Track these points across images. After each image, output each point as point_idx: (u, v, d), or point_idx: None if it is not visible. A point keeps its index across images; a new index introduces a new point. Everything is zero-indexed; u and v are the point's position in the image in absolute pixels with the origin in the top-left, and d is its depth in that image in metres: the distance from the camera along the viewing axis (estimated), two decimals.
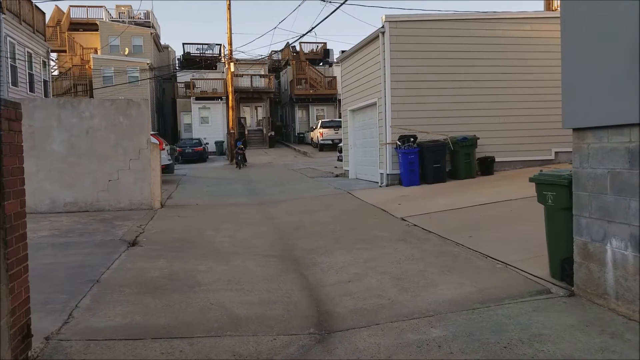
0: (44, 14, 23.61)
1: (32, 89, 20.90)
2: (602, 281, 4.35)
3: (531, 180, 5.34)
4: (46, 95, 22.76)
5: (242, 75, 37.67)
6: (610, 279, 4.26)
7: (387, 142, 13.31)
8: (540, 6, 26.13)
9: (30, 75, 20.92)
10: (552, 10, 16.55)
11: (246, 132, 37.87)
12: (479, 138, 13.09)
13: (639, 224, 3.94)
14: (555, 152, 13.85)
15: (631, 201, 4.01)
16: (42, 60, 22.70)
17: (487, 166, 13.29)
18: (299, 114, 41.49)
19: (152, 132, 13.04)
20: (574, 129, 4.63)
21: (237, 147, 25.79)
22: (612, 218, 4.21)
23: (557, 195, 4.95)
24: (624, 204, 4.09)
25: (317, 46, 45.92)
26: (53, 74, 31.98)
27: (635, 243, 3.99)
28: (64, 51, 38.62)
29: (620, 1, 4.03)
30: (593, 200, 4.42)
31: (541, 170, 5.43)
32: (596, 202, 4.38)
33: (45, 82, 23.00)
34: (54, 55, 34.79)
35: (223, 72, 36.90)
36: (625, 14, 3.95)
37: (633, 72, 3.90)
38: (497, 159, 13.40)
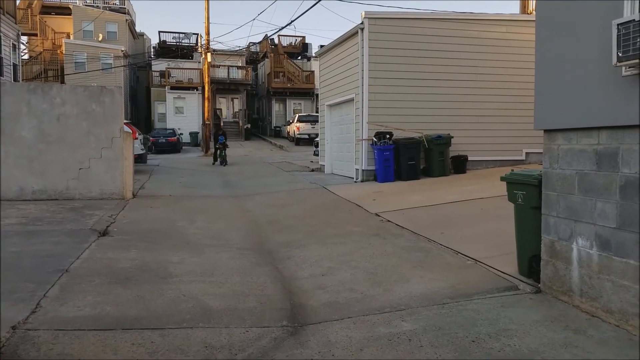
0: None
1: (0, 73, 20.27)
2: (568, 279, 4.49)
3: (502, 179, 5.46)
4: (15, 79, 22.11)
5: (219, 66, 37.28)
6: (576, 277, 4.40)
7: (364, 138, 13.39)
8: (516, 8, 26.57)
9: None
10: (528, 14, 16.86)
11: (222, 124, 37.39)
12: (453, 137, 13.27)
13: (604, 224, 4.08)
14: (526, 153, 14.16)
15: (597, 202, 4.15)
16: (12, 44, 22.03)
17: (460, 165, 13.50)
18: (275, 107, 41.31)
19: (125, 121, 12.81)
20: (545, 130, 4.76)
21: (219, 142, 21.69)
22: (578, 218, 4.35)
23: (527, 194, 5.08)
24: (590, 205, 4.22)
25: (296, 40, 45.75)
26: (23, 57, 31.08)
27: (600, 242, 4.13)
28: (35, 35, 37.52)
29: (591, 5, 4.15)
30: (561, 200, 4.55)
31: (512, 170, 5.56)
32: (564, 202, 4.51)
33: (14, 66, 22.34)
34: (24, 39, 33.85)
35: (199, 62, 36.46)
36: (596, 19, 4.06)
37: (602, 76, 4.03)
38: (470, 158, 13.62)
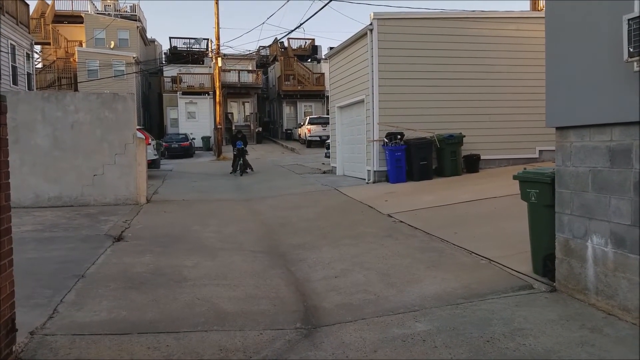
0: (27, 5, 23.24)
1: (15, 82, 20.59)
2: (583, 277, 4.45)
3: (515, 177, 5.42)
4: (30, 88, 22.44)
5: (229, 71, 37.49)
6: (591, 275, 4.36)
7: (375, 139, 13.37)
8: (526, 6, 26.39)
9: (14, 68, 20.60)
10: (538, 10, 16.72)
11: (233, 128, 37.66)
12: (464, 136, 13.21)
13: (619, 221, 4.04)
14: (540, 151, 14.03)
15: (611, 199, 4.10)
16: (26, 53, 22.37)
17: (472, 164, 13.42)
18: (286, 110, 41.41)
19: (138, 127, 12.95)
20: (557, 128, 4.72)
21: (236, 148, 18.77)
22: (593, 215, 4.30)
23: (540, 192, 5.04)
24: (604, 202, 4.18)
25: (306, 42, 45.85)
26: (37, 66, 31.54)
27: (615, 240, 4.08)
28: (48, 44, 38.08)
29: (602, 3, 4.11)
30: (575, 198, 4.50)
31: (525, 168, 5.52)
32: (578, 200, 4.47)
33: (29, 74, 22.68)
34: (37, 48, 34.36)
35: (210, 67, 36.66)
36: (607, 15, 4.02)
37: (614, 72, 3.99)
38: (482, 157, 13.54)
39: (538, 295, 4.74)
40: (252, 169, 18.90)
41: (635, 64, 3.74)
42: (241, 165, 18.60)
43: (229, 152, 29.25)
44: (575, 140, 4.49)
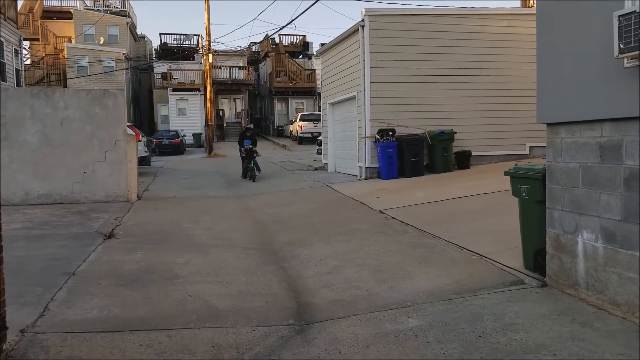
0: (15, 1, 22.96)
1: (3, 78, 20.35)
2: (573, 272, 4.48)
3: (506, 174, 5.45)
4: (18, 84, 22.19)
5: (220, 67, 37.28)
6: (581, 270, 4.39)
7: (366, 135, 13.38)
8: (517, 3, 26.52)
9: (2, 64, 20.35)
10: (529, 7, 16.79)
11: (224, 125, 37.52)
12: (456, 132, 13.25)
13: (609, 217, 4.07)
14: (530, 147, 14.12)
15: (602, 194, 4.14)
16: (14, 49, 22.10)
17: (463, 160, 13.47)
18: (278, 106, 41.31)
19: (128, 123, 12.86)
20: (548, 124, 4.74)
21: (244, 147, 15.89)
22: (583, 211, 4.34)
23: (531, 188, 5.07)
24: (594, 197, 4.21)
25: (297, 39, 45.69)
26: (25, 63, 31.18)
27: (606, 235, 4.12)
28: (37, 40, 37.62)
29: (593, 1, 4.14)
30: (565, 194, 4.54)
31: (516, 164, 5.55)
32: (568, 195, 4.50)
33: (17, 71, 22.41)
34: (26, 44, 33.94)
35: (201, 63, 36.46)
36: (598, 12, 4.05)
37: (604, 68, 4.01)
38: (473, 153, 13.59)
39: (529, 290, 4.78)
40: (260, 170, 16.16)
41: (625, 60, 3.77)
42: (252, 169, 15.58)
43: (220, 149, 29.21)
44: (566, 136, 4.52)
